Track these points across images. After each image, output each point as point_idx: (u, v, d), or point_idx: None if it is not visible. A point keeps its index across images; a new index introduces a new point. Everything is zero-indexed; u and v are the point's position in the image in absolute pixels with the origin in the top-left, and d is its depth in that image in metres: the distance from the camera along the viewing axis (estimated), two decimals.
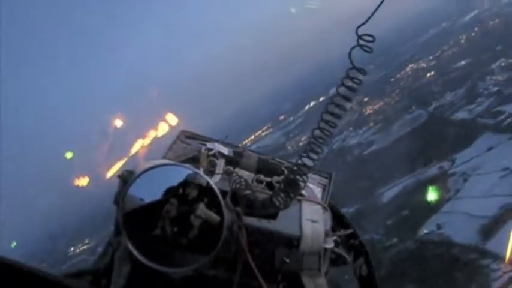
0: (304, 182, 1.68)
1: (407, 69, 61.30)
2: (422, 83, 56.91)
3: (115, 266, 1.69)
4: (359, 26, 1.39)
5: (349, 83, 1.50)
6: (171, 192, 1.59)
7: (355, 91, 1.53)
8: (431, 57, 61.46)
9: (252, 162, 2.00)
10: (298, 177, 1.66)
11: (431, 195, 36.59)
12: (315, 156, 1.63)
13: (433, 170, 40.41)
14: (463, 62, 55.99)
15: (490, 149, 38.95)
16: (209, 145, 2.03)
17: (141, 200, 1.60)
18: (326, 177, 2.16)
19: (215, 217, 1.56)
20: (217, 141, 2.12)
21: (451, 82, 52.91)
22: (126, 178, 1.69)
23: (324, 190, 2.09)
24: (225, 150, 2.02)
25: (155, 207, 1.56)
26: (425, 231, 33.15)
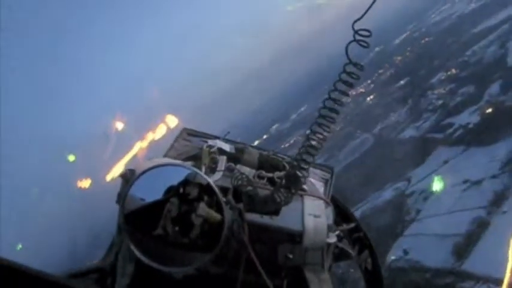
0: (305, 177, 1.70)
1: None
2: (363, 107, 57.38)
3: (119, 265, 1.71)
4: (355, 21, 1.42)
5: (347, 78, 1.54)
6: (171, 191, 1.59)
7: (352, 86, 1.55)
8: (369, 81, 62.23)
9: (253, 158, 1.99)
10: (299, 172, 1.67)
11: (391, 218, 35.21)
12: (314, 151, 1.65)
13: (388, 193, 39.43)
14: (401, 82, 56.80)
15: (445, 162, 38.18)
16: (210, 142, 2.04)
17: (142, 199, 1.61)
18: (328, 172, 2.15)
19: (216, 215, 1.56)
20: (218, 138, 2.13)
21: (392, 103, 53.47)
22: (129, 177, 1.70)
23: (326, 184, 2.09)
24: (227, 147, 2.03)
25: (156, 206, 1.56)
26: (392, 257, 31.72)
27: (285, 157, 2.05)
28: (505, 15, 54.41)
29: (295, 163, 1.67)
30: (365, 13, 1.40)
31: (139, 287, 1.66)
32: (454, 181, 34.79)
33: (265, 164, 1.98)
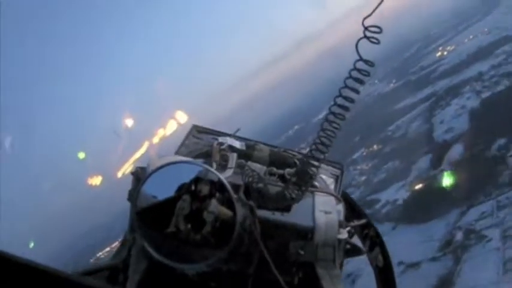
0: (316, 173, 1.73)
1: None
2: None
3: (131, 262, 1.73)
4: (365, 18, 1.44)
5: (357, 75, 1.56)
6: (183, 189, 1.61)
7: (363, 83, 1.58)
8: None
9: (264, 155, 2.02)
10: (309, 169, 1.71)
11: None
12: (325, 149, 1.67)
13: None
14: None
15: None
16: (221, 139, 2.06)
17: (154, 197, 1.64)
18: (338, 168, 2.19)
19: (228, 212, 1.58)
20: (229, 135, 2.17)
21: None
22: (139, 175, 1.76)
23: (336, 181, 2.11)
24: (237, 144, 2.05)
25: (168, 204, 1.59)
26: None
27: (296, 154, 2.07)
28: (427, 93, 55.64)
29: (305, 160, 1.71)
30: (375, 9, 1.42)
31: (151, 284, 1.69)
32: None
33: (276, 160, 1.99)
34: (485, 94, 45.69)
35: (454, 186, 36.47)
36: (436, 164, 39.58)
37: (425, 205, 34.72)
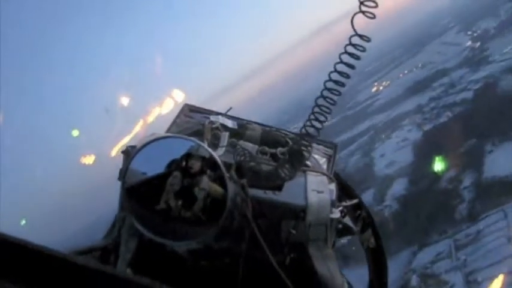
0: (309, 152, 1.80)
1: None
2: None
3: (122, 240, 1.72)
4: None
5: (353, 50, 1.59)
6: (174, 165, 1.60)
7: (359, 58, 1.61)
8: None
9: (256, 134, 2.03)
10: (302, 147, 1.75)
11: None
12: (319, 125, 1.71)
13: None
14: None
15: None
16: (213, 118, 2.06)
17: (144, 173, 1.63)
18: (331, 148, 2.19)
19: (219, 189, 1.58)
20: (221, 114, 2.15)
21: None
22: (130, 153, 1.72)
23: (329, 160, 2.12)
24: (229, 123, 2.06)
25: (158, 180, 1.58)
26: None
27: (288, 133, 2.09)
28: (365, 127, 56.31)
29: (298, 139, 1.75)
30: None
31: (142, 262, 1.68)
32: None
33: (268, 140, 2.00)
34: (427, 126, 45.70)
35: (403, 223, 33.00)
36: (380, 199, 38.84)
37: None
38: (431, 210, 33.01)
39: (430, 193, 34.81)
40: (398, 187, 39.11)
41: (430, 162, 37.73)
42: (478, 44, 57.30)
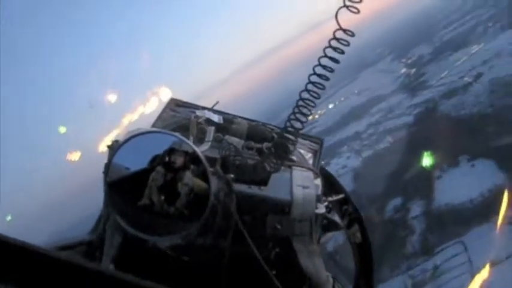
0: (294, 144, 1.81)
1: None
2: None
3: (106, 236, 1.71)
4: None
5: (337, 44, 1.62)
6: (157, 160, 1.61)
7: (343, 53, 1.63)
8: None
9: (242, 129, 2.04)
10: (287, 140, 1.78)
11: None
12: (303, 118, 1.73)
13: None
14: None
15: None
16: (198, 113, 2.07)
17: (127, 168, 1.62)
18: (317, 143, 2.22)
19: (203, 184, 1.59)
20: (207, 108, 2.16)
21: None
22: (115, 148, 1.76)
23: (315, 155, 2.15)
24: (215, 118, 2.06)
25: (141, 175, 1.58)
26: None
27: (274, 128, 2.11)
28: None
29: (282, 132, 1.77)
30: None
31: (127, 258, 1.67)
32: None
33: (254, 134, 2.01)
34: (367, 153, 45.11)
35: (349, 257, 28.98)
36: None
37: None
38: (378, 243, 29.90)
39: (375, 224, 32.33)
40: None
41: (372, 189, 36.19)
42: (414, 70, 57.46)
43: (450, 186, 32.16)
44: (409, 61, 63.60)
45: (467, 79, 45.89)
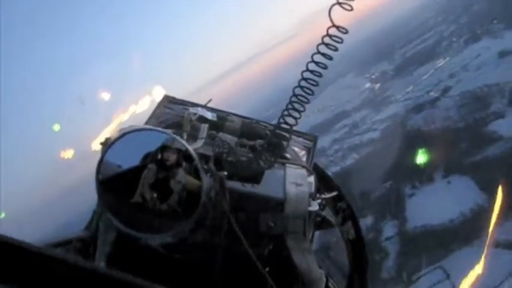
0: (287, 140, 1.82)
1: None
2: None
3: (100, 233, 1.71)
4: None
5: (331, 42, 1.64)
6: (149, 157, 1.62)
7: (337, 50, 1.65)
8: None
9: (235, 126, 2.03)
10: (280, 137, 1.80)
11: None
12: (297, 115, 1.75)
13: None
14: None
15: None
16: (192, 110, 2.07)
17: (119, 166, 1.62)
18: (311, 140, 2.21)
19: (195, 182, 1.60)
20: (200, 105, 2.16)
21: None
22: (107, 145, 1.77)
23: (308, 153, 2.14)
24: (208, 115, 2.06)
25: (133, 173, 1.59)
26: None
27: (268, 125, 2.11)
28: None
29: (276, 129, 1.78)
30: None
31: (120, 255, 1.67)
32: None
33: (248, 132, 2.01)
34: (333, 169, 44.34)
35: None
36: None
37: None
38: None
39: (344, 247, 28.91)
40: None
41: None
42: (378, 85, 56.39)
43: (425, 204, 31.16)
44: (373, 76, 63.79)
45: (433, 93, 45.38)
